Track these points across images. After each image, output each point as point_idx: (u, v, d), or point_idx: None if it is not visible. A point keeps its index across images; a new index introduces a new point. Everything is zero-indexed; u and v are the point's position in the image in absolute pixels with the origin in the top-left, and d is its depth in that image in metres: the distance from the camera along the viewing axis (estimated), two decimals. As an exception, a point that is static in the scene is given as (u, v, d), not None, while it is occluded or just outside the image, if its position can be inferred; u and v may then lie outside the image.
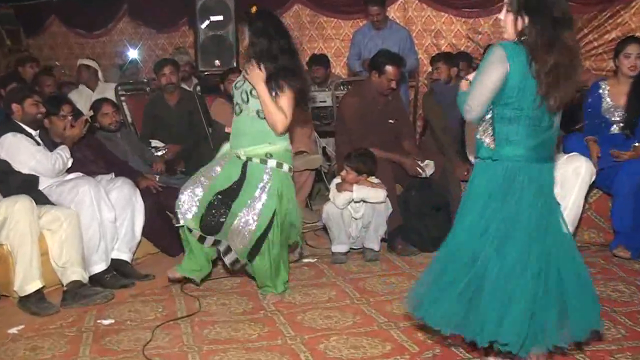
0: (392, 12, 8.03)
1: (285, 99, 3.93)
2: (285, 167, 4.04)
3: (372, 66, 5.27)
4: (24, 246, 4.08)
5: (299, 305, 4.05)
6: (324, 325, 3.73)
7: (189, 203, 4.06)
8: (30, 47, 10.29)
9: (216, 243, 4.09)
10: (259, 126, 4.00)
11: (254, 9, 4.04)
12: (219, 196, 4.04)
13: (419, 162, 5.16)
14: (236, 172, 4.05)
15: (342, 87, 6.74)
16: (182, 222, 4.07)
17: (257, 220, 3.96)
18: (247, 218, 3.96)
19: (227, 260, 4.08)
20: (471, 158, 4.98)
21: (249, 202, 3.97)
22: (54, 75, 7.03)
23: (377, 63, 5.20)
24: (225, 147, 4.26)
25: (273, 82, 3.91)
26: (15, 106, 4.55)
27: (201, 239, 4.10)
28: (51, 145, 4.63)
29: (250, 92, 4.00)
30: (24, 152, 4.45)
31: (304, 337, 3.57)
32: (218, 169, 4.11)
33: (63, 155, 4.58)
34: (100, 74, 7.13)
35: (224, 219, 4.01)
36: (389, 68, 5.12)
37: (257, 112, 3.99)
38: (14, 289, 4.11)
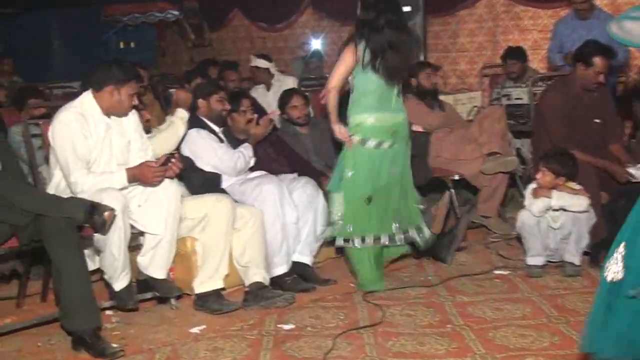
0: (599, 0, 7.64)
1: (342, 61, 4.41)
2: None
3: (578, 58, 5.04)
4: (218, 245, 4.18)
5: (490, 320, 3.89)
6: (518, 344, 3.54)
7: None
8: (212, 41, 10.67)
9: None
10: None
11: None
12: None
13: (630, 169, 4.81)
14: None
15: (540, 83, 6.49)
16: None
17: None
18: None
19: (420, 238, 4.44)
20: None
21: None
22: (238, 70, 7.20)
23: (583, 54, 4.99)
24: None
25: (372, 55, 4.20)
26: (201, 102, 4.66)
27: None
28: (235, 142, 4.73)
29: None
30: (206, 149, 4.57)
31: (495, 356, 3.40)
32: None
33: (245, 154, 4.66)
34: (273, 70, 7.14)
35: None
36: (597, 60, 4.88)
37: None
38: (194, 285, 4.20)
